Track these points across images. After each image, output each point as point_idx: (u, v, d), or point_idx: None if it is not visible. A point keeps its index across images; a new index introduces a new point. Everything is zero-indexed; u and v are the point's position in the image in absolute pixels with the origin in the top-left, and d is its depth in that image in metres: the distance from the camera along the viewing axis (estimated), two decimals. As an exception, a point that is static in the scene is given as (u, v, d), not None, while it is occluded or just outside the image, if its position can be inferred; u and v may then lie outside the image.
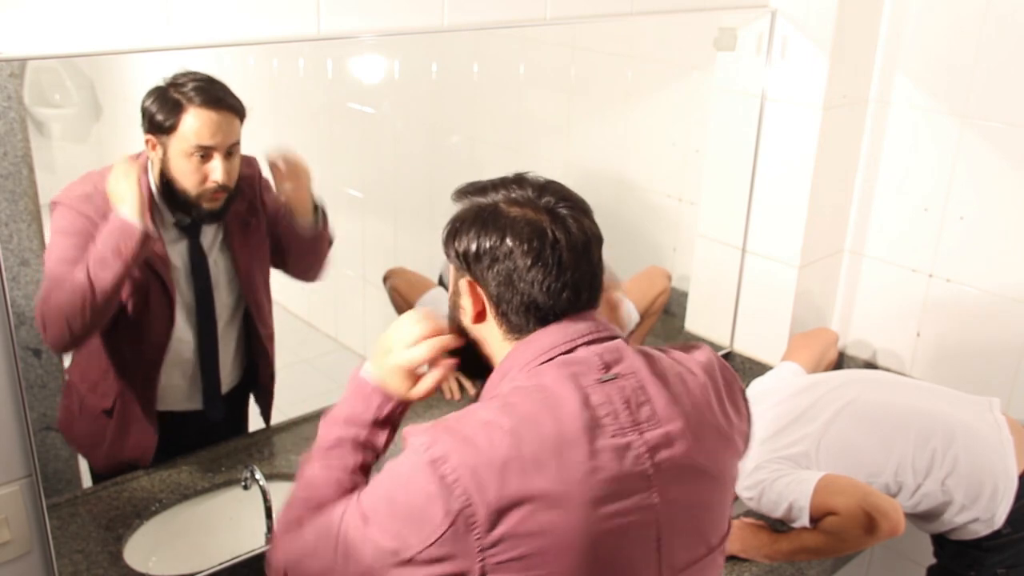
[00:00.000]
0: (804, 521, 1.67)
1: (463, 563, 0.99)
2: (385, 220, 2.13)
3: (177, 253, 1.54)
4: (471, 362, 1.19)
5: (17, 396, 1.27)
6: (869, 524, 1.62)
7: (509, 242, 1.08)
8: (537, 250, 1.07)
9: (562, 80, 2.27)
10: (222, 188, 1.48)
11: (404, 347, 1.18)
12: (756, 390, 2.04)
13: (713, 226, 2.34)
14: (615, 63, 2.29)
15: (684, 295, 2.43)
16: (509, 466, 0.99)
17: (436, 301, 2.01)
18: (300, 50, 1.62)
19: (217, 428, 1.75)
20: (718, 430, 1.14)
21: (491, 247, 1.08)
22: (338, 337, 2.13)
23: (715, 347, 2.38)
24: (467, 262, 1.11)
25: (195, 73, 1.43)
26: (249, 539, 1.59)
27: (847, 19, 2.02)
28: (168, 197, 1.48)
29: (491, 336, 1.14)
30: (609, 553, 1.03)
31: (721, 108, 2.24)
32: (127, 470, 1.63)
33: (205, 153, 1.45)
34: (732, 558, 1.76)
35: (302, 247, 1.68)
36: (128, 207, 1.40)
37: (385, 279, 2.06)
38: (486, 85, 2.18)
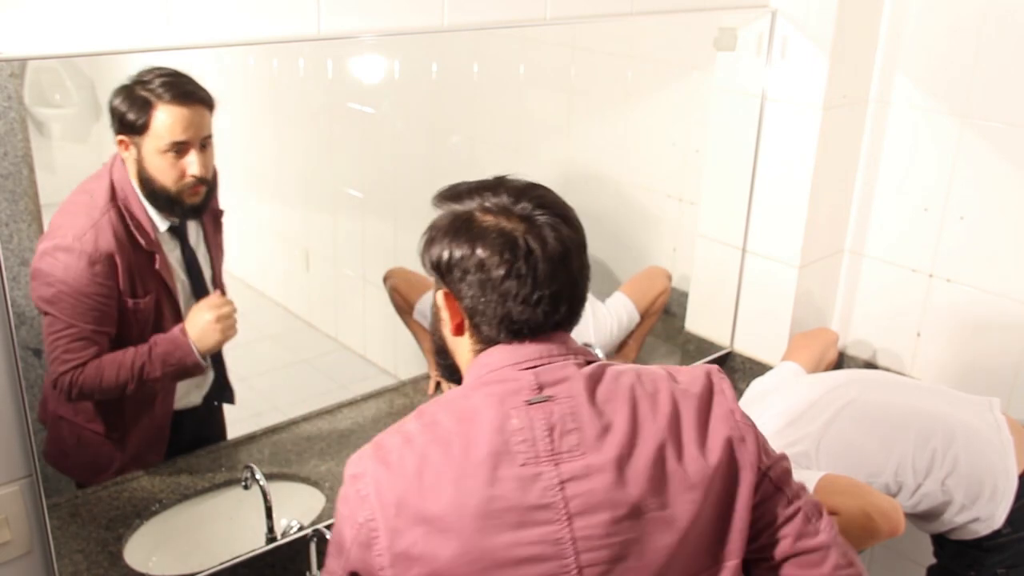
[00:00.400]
0: (804, 521, 1.67)
1: (367, 567, 1.03)
2: (385, 220, 2.13)
3: (175, 259, 1.54)
4: (446, 368, 1.19)
5: (17, 396, 1.27)
6: (869, 524, 1.62)
7: (480, 253, 1.04)
8: (510, 261, 1.03)
9: (562, 80, 2.27)
10: (200, 181, 1.47)
11: None
12: (756, 390, 2.04)
13: (713, 226, 2.34)
14: (615, 63, 2.28)
15: (684, 295, 2.43)
16: (411, 487, 1.00)
17: (436, 301, 2.01)
18: (300, 50, 1.62)
19: (208, 424, 1.74)
20: (674, 467, 1.04)
21: (462, 257, 1.05)
22: (338, 337, 2.13)
23: (715, 347, 2.40)
24: (441, 273, 1.09)
25: (160, 68, 1.41)
26: (249, 539, 1.59)
27: (847, 19, 2.02)
28: (150, 197, 1.46)
29: (463, 347, 1.12)
30: None
31: (721, 108, 2.24)
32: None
33: (180, 149, 1.43)
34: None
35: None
36: (198, 336, 1.50)
37: (385, 279, 2.06)
38: (486, 85, 2.18)
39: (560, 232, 1.06)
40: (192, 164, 1.44)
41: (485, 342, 1.08)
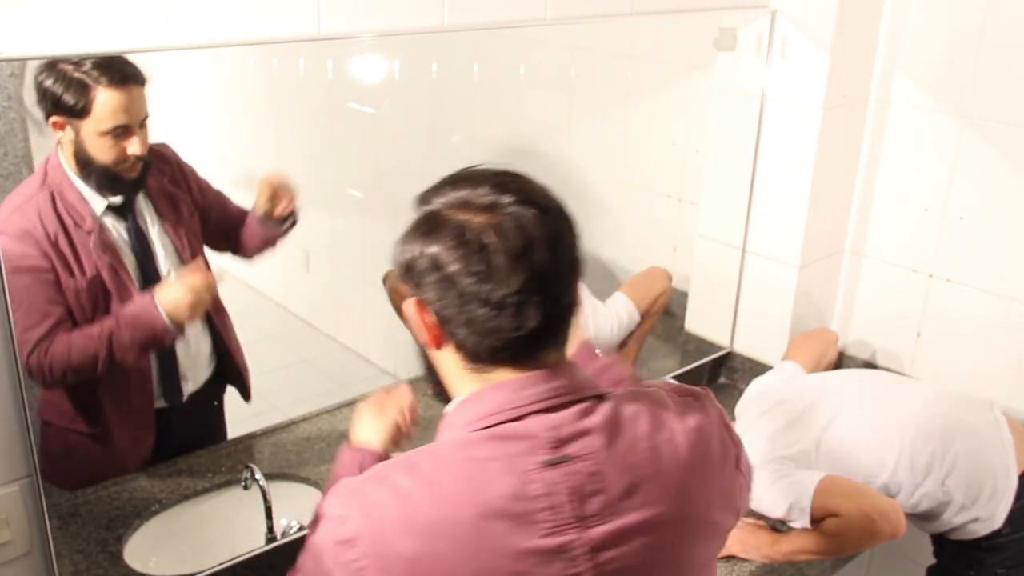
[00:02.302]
0: (804, 522, 1.67)
1: None
2: (385, 220, 2.12)
3: (120, 238, 1.52)
4: (438, 387, 1.07)
5: (17, 396, 1.27)
6: (870, 526, 1.62)
7: (433, 249, 0.93)
8: (463, 257, 0.91)
9: (562, 80, 2.27)
10: (139, 157, 1.46)
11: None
12: (756, 390, 2.04)
13: (713, 226, 2.34)
14: (615, 63, 2.28)
15: (684, 295, 2.43)
16: (420, 563, 0.89)
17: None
18: (300, 50, 1.62)
19: (194, 426, 1.73)
20: (697, 515, 0.99)
21: (418, 256, 0.95)
22: (338, 337, 2.13)
23: (715, 347, 2.40)
24: (406, 277, 0.97)
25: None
26: (249, 539, 1.59)
27: (847, 19, 2.02)
28: (87, 177, 1.44)
29: (450, 366, 1.00)
30: None
31: (721, 108, 2.24)
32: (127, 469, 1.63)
33: (122, 131, 1.41)
34: (732, 558, 1.76)
35: (261, 242, 1.69)
36: (171, 308, 1.46)
37: (384, 279, 2.06)
38: (486, 85, 2.18)
39: (523, 222, 0.92)
40: (134, 144, 1.43)
41: (471, 357, 0.96)
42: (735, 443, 1.05)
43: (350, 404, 1.96)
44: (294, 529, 1.62)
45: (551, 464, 0.92)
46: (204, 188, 1.63)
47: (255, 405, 1.80)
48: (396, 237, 1.00)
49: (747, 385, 2.09)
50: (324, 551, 0.94)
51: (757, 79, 2.15)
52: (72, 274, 1.43)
